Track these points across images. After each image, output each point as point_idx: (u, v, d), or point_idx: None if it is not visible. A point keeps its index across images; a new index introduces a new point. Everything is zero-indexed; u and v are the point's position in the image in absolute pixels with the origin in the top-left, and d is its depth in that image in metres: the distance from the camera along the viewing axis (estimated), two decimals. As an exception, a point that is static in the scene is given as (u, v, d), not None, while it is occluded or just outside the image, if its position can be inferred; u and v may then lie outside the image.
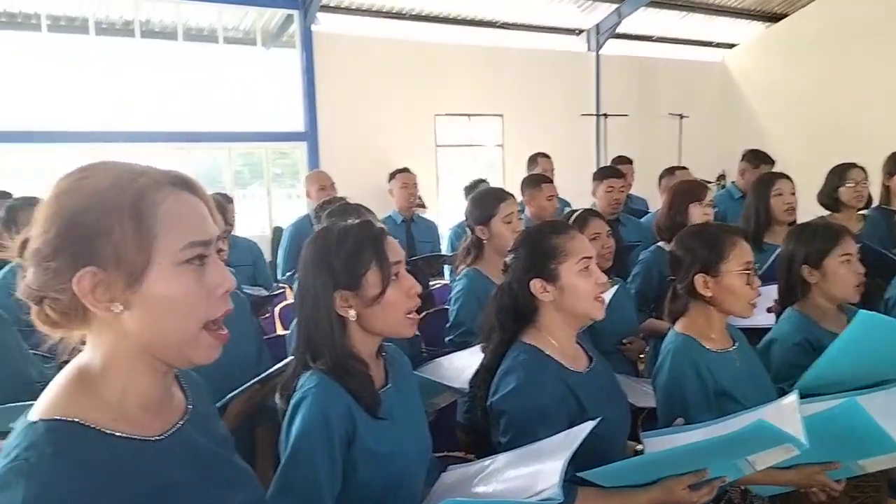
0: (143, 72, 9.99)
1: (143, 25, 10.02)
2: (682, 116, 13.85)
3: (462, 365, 2.41)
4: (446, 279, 5.02)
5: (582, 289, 1.89)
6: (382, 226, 1.72)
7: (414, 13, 11.73)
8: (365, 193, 9.60)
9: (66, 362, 1.00)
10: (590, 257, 1.91)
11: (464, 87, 12.26)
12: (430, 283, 4.71)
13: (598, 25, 13.23)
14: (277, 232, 11.03)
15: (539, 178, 4.40)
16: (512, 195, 3.05)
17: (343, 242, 1.63)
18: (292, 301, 4.62)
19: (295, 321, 2.60)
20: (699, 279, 2.19)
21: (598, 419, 1.64)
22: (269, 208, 11.47)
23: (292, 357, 1.97)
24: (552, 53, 13.36)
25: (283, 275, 4.73)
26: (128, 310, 0.94)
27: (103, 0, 9.64)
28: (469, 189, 5.29)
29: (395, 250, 1.66)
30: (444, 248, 5.11)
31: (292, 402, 1.55)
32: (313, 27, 10.83)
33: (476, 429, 2.68)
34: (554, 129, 12.86)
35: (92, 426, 0.93)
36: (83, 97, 9.62)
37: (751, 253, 2.21)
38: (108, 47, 9.91)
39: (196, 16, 10.45)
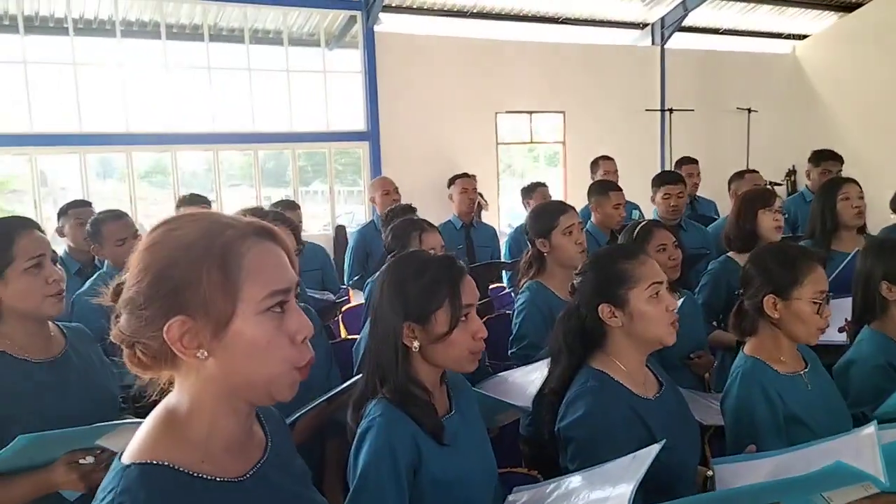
0: (212, 75, 10.27)
1: (211, 29, 10.29)
2: (750, 111, 13.48)
3: (526, 381, 2.40)
4: (504, 283, 5.01)
5: (652, 315, 1.87)
6: (462, 265, 1.73)
7: (475, 11, 11.71)
8: (426, 192, 9.75)
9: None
10: (660, 282, 1.88)
11: (525, 84, 12.19)
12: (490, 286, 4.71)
13: (663, 19, 12.97)
14: (340, 231, 11.20)
15: (607, 184, 4.33)
16: (572, 207, 3.03)
17: (420, 275, 1.65)
18: (356, 304, 4.71)
19: (364, 331, 2.66)
20: (769, 300, 2.13)
21: (664, 441, 1.62)
22: (331, 207, 11.65)
23: (360, 376, 2.01)
24: (615, 48, 13.16)
25: (349, 280, 4.80)
26: (213, 356, 0.98)
27: (174, 5, 9.92)
28: (526, 191, 5.25)
29: (471, 292, 1.67)
30: (503, 253, 5.10)
31: (360, 429, 1.58)
32: (376, 27, 10.93)
33: (539, 442, 2.69)
34: (616, 125, 12.68)
35: (181, 469, 0.98)
36: (156, 101, 9.94)
37: (826, 282, 2.14)
38: (178, 51, 10.21)
39: (262, 19, 10.66)
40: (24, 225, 1.85)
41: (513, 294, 4.81)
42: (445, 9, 11.56)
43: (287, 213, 4.37)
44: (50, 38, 9.66)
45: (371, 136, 11.11)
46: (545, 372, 2.23)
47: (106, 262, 3.21)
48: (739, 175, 5.00)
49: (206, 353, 0.98)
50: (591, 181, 5.51)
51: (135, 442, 1.01)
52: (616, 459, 1.67)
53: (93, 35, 9.80)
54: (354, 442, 1.59)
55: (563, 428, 1.87)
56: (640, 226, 3.09)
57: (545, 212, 2.99)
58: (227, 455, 1.04)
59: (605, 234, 4.23)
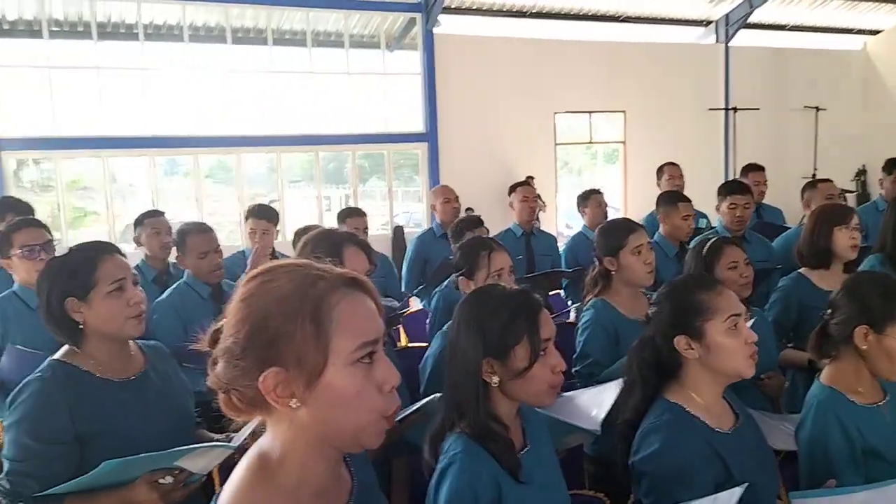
0: (275, 78, 10.48)
1: (274, 33, 10.48)
2: (818, 109, 13.09)
3: (594, 403, 2.39)
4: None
5: (731, 347, 1.81)
6: (539, 299, 1.73)
7: (535, 11, 11.65)
8: (484, 193, 9.77)
9: None
10: (738, 315, 1.85)
11: (584, 83, 12.08)
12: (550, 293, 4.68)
13: (727, 15, 12.69)
14: (399, 231, 11.30)
15: (675, 195, 4.24)
16: (641, 226, 2.98)
17: (498, 311, 1.65)
18: (414, 309, 4.74)
19: (431, 349, 2.68)
20: (860, 331, 2.05)
21: (745, 485, 1.60)
22: (390, 208, 11.75)
23: (433, 398, 2.02)
24: (677, 46, 12.92)
25: (407, 288, 4.83)
26: (305, 405, 1.00)
27: (239, 9, 10.14)
28: (581, 199, 5.19)
29: (549, 326, 1.66)
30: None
31: (440, 465, 1.59)
32: (435, 29, 10.97)
33: (605, 461, 2.67)
34: (678, 124, 12.46)
35: None
36: (221, 104, 10.20)
37: None
38: (243, 55, 10.44)
39: (324, 21, 10.82)
40: (106, 250, 1.92)
41: (568, 302, 4.79)
42: (505, 9, 11.54)
43: (354, 219, 4.46)
44: (121, 43, 10.00)
45: (429, 137, 11.17)
46: (614, 394, 2.21)
47: (186, 271, 3.32)
48: (812, 185, 4.83)
49: (298, 403, 1.00)
50: (657, 187, 5.43)
51: (229, 489, 1.05)
52: (696, 501, 1.64)
53: (161, 40, 10.11)
54: (435, 477, 1.60)
55: (638, 462, 1.85)
56: (709, 243, 3.03)
57: (614, 230, 2.94)
58: (317, 501, 1.07)
59: (673, 245, 4.15)
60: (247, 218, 4.11)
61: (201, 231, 3.31)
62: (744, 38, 12.97)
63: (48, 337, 2.43)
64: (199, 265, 3.23)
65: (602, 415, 2.23)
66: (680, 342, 1.87)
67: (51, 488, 1.70)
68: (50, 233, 2.92)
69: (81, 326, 1.85)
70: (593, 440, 2.76)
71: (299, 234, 3.77)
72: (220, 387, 1.04)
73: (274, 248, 4.22)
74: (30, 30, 9.53)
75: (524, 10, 11.62)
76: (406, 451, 2.29)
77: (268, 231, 4.09)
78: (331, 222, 9.79)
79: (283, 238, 4.23)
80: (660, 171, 5.53)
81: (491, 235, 3.80)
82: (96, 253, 1.89)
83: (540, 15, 11.77)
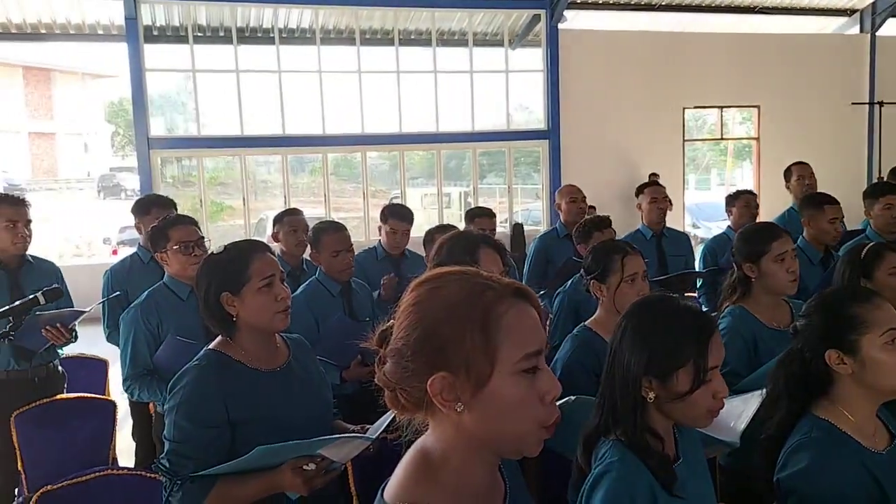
0: (401, 77, 10.72)
1: (400, 34, 10.72)
2: (977, 102, 12.01)
3: (733, 414, 2.30)
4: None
5: (888, 363, 1.71)
6: (714, 321, 1.67)
7: (664, 3, 11.31)
8: (606, 191, 9.61)
9: None
10: (898, 329, 1.75)
11: (715, 77, 11.61)
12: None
13: (874, 4, 11.86)
14: (518, 228, 11.29)
15: (822, 198, 3.97)
16: (787, 232, 2.83)
17: (668, 330, 1.59)
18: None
19: (560, 352, 2.68)
20: None
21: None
22: (509, 205, 11.76)
23: (566, 400, 2.02)
24: (817, 37, 12.19)
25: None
26: (469, 410, 1.03)
27: (368, 11, 10.43)
28: (731, 198, 4.96)
29: (718, 351, 1.60)
30: (697, 262, 4.89)
31: (596, 470, 1.59)
32: (559, 25, 10.87)
33: (742, 475, 2.58)
34: (818, 120, 11.77)
35: None
36: (349, 104, 10.55)
37: None
38: (370, 56, 10.76)
39: (448, 20, 10.96)
40: (257, 248, 2.04)
41: (699, 303, 4.62)
42: (633, 2, 11.27)
43: (483, 219, 4.49)
44: (258, 47, 10.53)
45: (551, 134, 11.09)
46: (755, 406, 2.13)
47: (320, 268, 3.46)
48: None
49: (462, 407, 1.03)
50: (787, 188, 5.17)
51: (395, 483, 1.09)
52: None
53: (295, 44, 10.56)
54: (589, 482, 1.60)
55: (784, 479, 1.78)
56: (867, 248, 2.84)
57: (756, 235, 2.81)
58: (475, 501, 1.10)
59: (818, 250, 3.92)
60: (386, 218, 4.21)
61: (336, 230, 3.45)
62: (893, 27, 12.08)
63: (195, 324, 2.62)
64: (331, 262, 3.37)
65: (741, 427, 2.16)
66: (832, 357, 1.78)
67: (205, 469, 1.83)
68: (200, 229, 3.10)
69: (235, 319, 1.97)
70: (729, 452, 2.67)
71: (432, 233, 3.83)
72: (387, 385, 1.09)
73: (406, 249, 4.30)
74: (176, 35, 10.20)
75: (653, 3, 11.30)
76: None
77: (407, 232, 4.19)
78: (450, 220, 10.00)
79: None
80: (788, 171, 5.25)
81: (617, 237, 3.73)
82: (249, 251, 2.02)
83: (669, 7, 11.41)
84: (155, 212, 3.80)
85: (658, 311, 1.66)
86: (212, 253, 2.08)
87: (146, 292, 3.03)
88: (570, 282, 3.76)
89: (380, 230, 4.29)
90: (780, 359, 1.93)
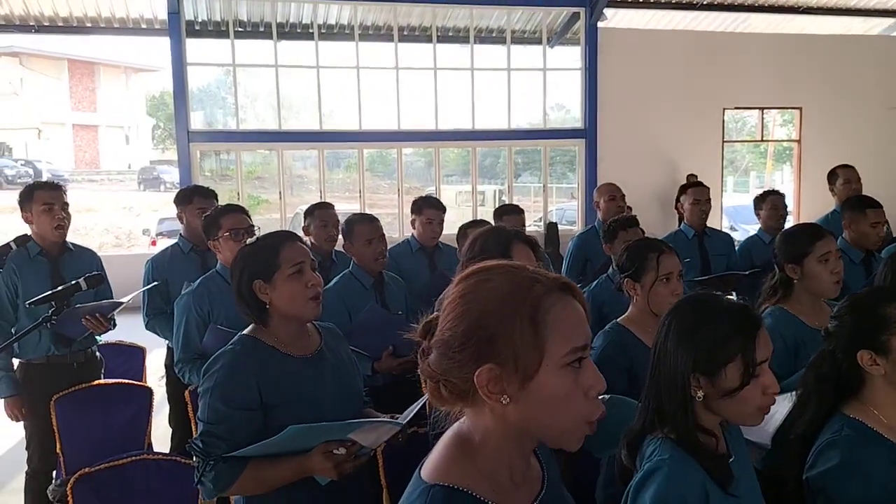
0: (438, 74, 10.74)
1: (438, 30, 10.73)
2: None
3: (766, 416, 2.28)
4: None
5: None
6: (758, 315, 1.64)
7: (705, 2, 11.15)
8: (644, 191, 9.50)
9: None
10: (932, 330, 1.71)
11: (757, 78, 11.42)
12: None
13: (924, 4, 11.57)
14: (552, 228, 11.23)
15: (864, 200, 3.89)
16: (830, 233, 2.78)
17: (714, 326, 1.57)
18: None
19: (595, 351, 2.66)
20: None
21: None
22: (544, 204, 11.71)
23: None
24: (862, 39, 11.93)
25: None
26: (514, 402, 1.04)
27: (406, 8, 10.46)
28: (759, 199, 4.89)
29: (766, 346, 1.58)
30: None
31: (644, 468, 1.57)
32: (599, 23, 10.79)
33: (775, 476, 2.53)
34: (862, 123, 11.52)
35: (477, 496, 1.05)
36: (386, 100, 10.60)
37: None
38: (407, 52, 10.79)
39: (487, 18, 10.94)
40: (287, 237, 2.09)
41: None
42: (674, 1, 11.13)
43: (511, 216, 4.48)
44: (297, 43, 10.63)
45: (588, 133, 11.01)
46: (787, 408, 2.10)
47: (353, 261, 3.49)
48: None
49: (508, 399, 1.04)
50: (831, 191, 5.06)
51: (433, 462, 1.10)
52: None
53: (334, 39, 10.63)
54: (637, 479, 1.58)
55: (814, 478, 1.75)
56: (910, 251, 2.78)
57: (799, 235, 2.76)
58: (513, 486, 1.11)
59: (859, 251, 3.84)
60: (420, 209, 4.22)
61: (368, 220, 3.49)
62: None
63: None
64: (364, 252, 3.39)
65: (773, 429, 2.14)
66: (863, 357, 1.77)
67: (237, 450, 1.86)
68: (250, 218, 3.17)
69: (268, 307, 2.01)
70: (763, 454, 2.63)
71: (465, 228, 3.83)
72: (431, 376, 1.09)
73: (439, 241, 4.31)
74: (217, 30, 10.34)
75: (693, 2, 11.15)
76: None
77: (441, 221, 4.22)
78: (484, 217, 9.96)
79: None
80: (833, 173, 5.13)
81: (653, 236, 3.68)
82: (279, 240, 2.06)
83: (711, 6, 11.24)
84: (197, 201, 3.87)
85: (702, 308, 1.63)
86: (244, 244, 2.11)
87: (200, 279, 3.12)
88: (594, 282, 3.74)
89: (413, 223, 4.31)
90: (812, 360, 1.90)
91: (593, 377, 1.06)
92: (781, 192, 4.97)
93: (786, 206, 4.83)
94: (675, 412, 1.58)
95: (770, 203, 4.76)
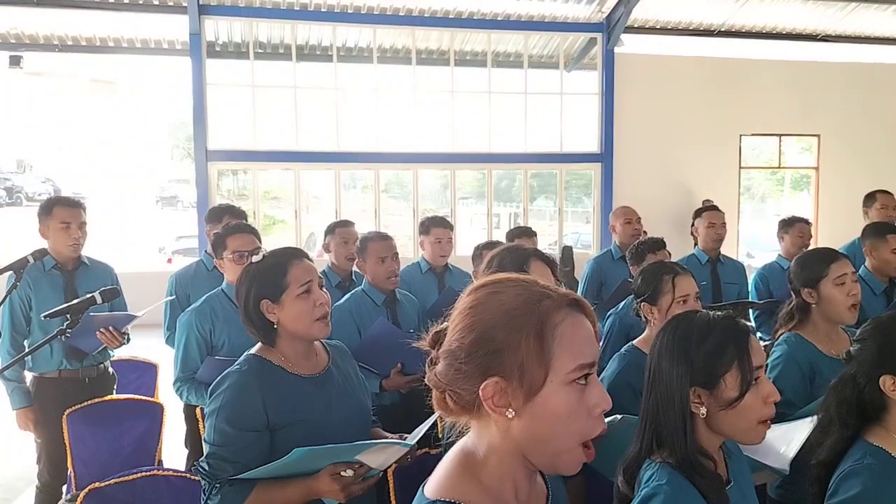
0: (455, 98, 10.81)
1: (456, 54, 10.81)
2: None
3: (782, 440, 2.24)
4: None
5: None
6: (747, 325, 1.65)
7: (723, 29, 11.17)
8: (659, 217, 9.46)
9: None
10: (957, 357, 1.68)
11: (775, 105, 11.41)
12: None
13: (944, 32, 11.53)
14: (567, 251, 11.20)
15: (884, 227, 3.85)
16: (845, 255, 2.75)
17: (705, 337, 1.57)
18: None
19: (606, 372, 2.63)
20: None
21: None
22: (559, 227, 11.70)
23: (612, 419, 1.98)
24: (881, 67, 11.88)
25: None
26: (518, 417, 1.03)
27: (424, 32, 10.56)
28: (784, 224, 4.80)
29: (759, 353, 1.58)
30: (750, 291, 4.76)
31: (641, 493, 1.55)
32: (616, 48, 10.83)
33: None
34: (880, 151, 11.46)
35: None
36: (403, 122, 10.67)
37: None
38: (425, 75, 10.87)
39: (504, 42, 11.02)
40: (294, 254, 2.06)
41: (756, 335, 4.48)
42: (692, 28, 11.16)
43: (523, 239, 4.47)
44: (316, 65, 10.74)
45: (604, 157, 11.01)
46: (805, 433, 2.07)
47: (365, 279, 3.49)
48: None
49: (513, 413, 1.03)
50: (864, 217, 4.98)
51: (436, 478, 1.09)
52: None
53: (352, 62, 10.74)
54: None
55: None
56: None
57: (814, 259, 2.74)
58: (516, 503, 1.09)
59: (881, 281, 3.79)
60: (428, 229, 4.23)
61: (382, 238, 3.48)
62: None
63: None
64: (377, 270, 3.39)
65: (791, 454, 2.10)
66: (886, 382, 1.74)
67: (244, 472, 1.83)
68: (260, 239, 3.15)
69: (275, 326, 1.98)
70: (778, 483, 2.58)
71: (480, 248, 3.84)
72: (437, 386, 1.09)
73: (448, 263, 4.31)
74: (237, 52, 10.47)
75: (712, 29, 11.17)
76: (581, 471, 2.26)
77: (450, 240, 4.22)
78: (499, 240, 9.93)
79: (455, 253, 4.32)
80: (870, 197, 5.05)
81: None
82: (287, 258, 2.03)
83: (729, 33, 11.26)
84: (227, 220, 3.87)
85: (691, 324, 1.63)
86: (251, 262, 2.09)
87: (203, 298, 3.09)
88: (622, 304, 3.71)
89: (422, 244, 4.30)
90: (833, 384, 1.88)
91: (599, 396, 1.05)
92: (808, 219, 4.90)
93: (811, 236, 4.77)
94: (674, 432, 1.56)
95: (797, 230, 4.67)
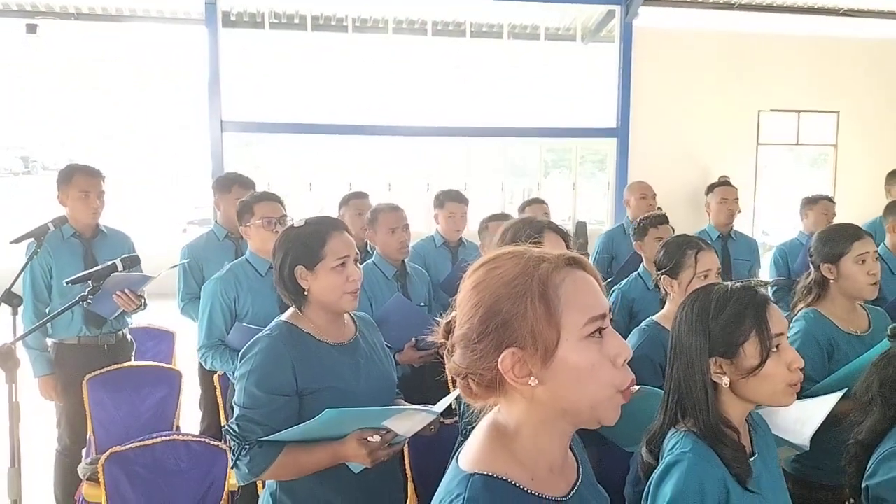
0: (471, 70, 10.72)
1: (472, 26, 10.71)
2: None
3: (801, 417, 2.23)
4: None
5: None
6: (765, 293, 1.65)
7: (743, 3, 10.98)
8: (674, 193, 9.39)
9: None
10: None
11: (793, 80, 11.25)
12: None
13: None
14: (581, 227, 11.16)
15: (905, 205, 3.85)
16: (868, 233, 2.73)
17: (722, 308, 1.59)
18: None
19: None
20: None
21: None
22: (573, 202, 11.64)
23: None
24: (903, 42, 11.70)
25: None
26: (542, 383, 1.03)
27: (439, 4, 10.46)
28: (808, 201, 4.74)
29: (779, 321, 1.59)
30: (766, 268, 4.73)
31: (665, 460, 1.57)
32: (634, 22, 10.69)
33: (808, 483, 2.49)
34: (900, 128, 11.31)
35: (517, 485, 1.05)
36: (419, 95, 10.59)
37: None
38: (442, 47, 10.78)
39: (521, 14, 10.89)
40: (335, 226, 2.06)
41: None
42: (710, 1, 10.98)
43: (533, 206, 4.46)
44: (331, 34, 10.68)
45: (620, 132, 10.92)
46: (827, 411, 2.07)
47: (375, 251, 3.50)
48: None
49: (536, 381, 1.04)
50: (886, 195, 4.94)
51: (472, 452, 1.10)
52: None
53: (367, 33, 10.67)
54: (657, 472, 1.57)
55: (876, 486, 1.71)
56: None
57: (836, 235, 2.72)
58: (551, 475, 1.11)
59: None
60: (442, 203, 4.21)
61: (392, 209, 3.50)
62: None
63: (271, 300, 2.68)
64: (387, 240, 3.41)
65: (811, 431, 2.10)
66: None
67: (273, 434, 1.87)
68: (284, 207, 3.16)
69: (306, 293, 2.01)
70: (793, 459, 2.59)
71: (486, 222, 3.83)
72: (459, 373, 1.10)
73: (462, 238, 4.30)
74: (252, 22, 10.41)
75: (731, 3, 10.98)
76: (595, 441, 2.27)
77: (465, 215, 4.20)
78: (514, 213, 9.87)
79: (469, 228, 4.31)
80: (893, 175, 5.00)
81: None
82: (327, 228, 2.04)
83: (749, 7, 11.06)
84: (236, 190, 3.89)
85: (710, 294, 1.64)
86: (291, 226, 2.10)
87: (228, 266, 3.13)
88: (625, 280, 3.72)
89: (436, 218, 4.29)
90: (875, 361, 1.86)
91: (618, 345, 1.06)
92: (832, 198, 4.84)
93: (835, 214, 4.71)
94: (697, 402, 1.58)
95: (822, 207, 4.63)
